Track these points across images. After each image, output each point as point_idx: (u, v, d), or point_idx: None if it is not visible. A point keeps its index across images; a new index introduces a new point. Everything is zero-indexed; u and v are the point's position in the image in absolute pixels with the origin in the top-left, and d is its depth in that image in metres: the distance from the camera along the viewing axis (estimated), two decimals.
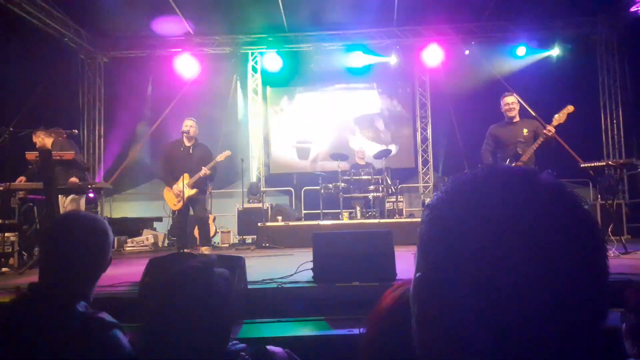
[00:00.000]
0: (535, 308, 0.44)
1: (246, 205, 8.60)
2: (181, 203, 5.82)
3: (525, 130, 4.96)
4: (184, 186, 5.82)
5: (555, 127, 4.80)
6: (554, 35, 9.13)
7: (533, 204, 0.47)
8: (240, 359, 1.21)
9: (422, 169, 10.33)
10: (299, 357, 1.45)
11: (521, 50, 9.13)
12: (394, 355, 0.70)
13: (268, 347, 1.30)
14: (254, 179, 10.06)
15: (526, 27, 8.91)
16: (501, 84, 8.84)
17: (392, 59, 9.63)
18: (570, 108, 4.85)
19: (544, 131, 4.80)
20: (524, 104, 7.86)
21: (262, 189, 9.84)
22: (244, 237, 8.48)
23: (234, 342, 1.29)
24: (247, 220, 8.30)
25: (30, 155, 5.00)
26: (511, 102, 5.13)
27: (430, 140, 10.37)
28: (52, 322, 1.28)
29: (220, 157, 6.09)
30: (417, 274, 0.53)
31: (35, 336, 1.25)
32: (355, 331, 2.44)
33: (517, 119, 5.12)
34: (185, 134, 5.95)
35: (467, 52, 9.39)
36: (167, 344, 1.19)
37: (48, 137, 5.73)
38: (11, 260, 5.26)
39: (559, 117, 4.84)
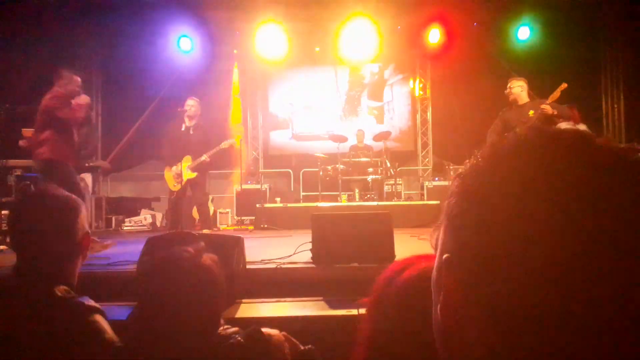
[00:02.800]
0: (587, 300, 0.37)
1: (244, 186, 8.58)
2: (180, 185, 5.79)
3: (531, 112, 4.99)
4: (185, 169, 5.79)
5: (550, 105, 4.88)
6: (557, 17, 9.00)
7: (587, 173, 0.40)
8: (232, 341, 1.20)
9: (422, 152, 10.30)
10: (297, 337, 1.43)
11: (524, 32, 9.01)
12: (403, 342, 0.67)
13: (263, 329, 1.27)
14: (252, 160, 10.03)
15: (530, 8, 8.77)
16: (503, 67, 8.76)
17: (393, 40, 9.50)
18: (563, 85, 4.97)
19: (540, 107, 4.88)
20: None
21: (260, 170, 9.81)
22: (243, 218, 8.48)
23: (226, 326, 1.28)
24: (246, 201, 8.29)
25: (27, 133, 4.95)
26: (509, 86, 5.20)
27: (430, 123, 10.32)
28: (31, 307, 1.26)
29: (224, 145, 6.00)
30: (444, 256, 0.47)
31: (14, 322, 1.23)
32: (354, 312, 2.44)
33: (524, 101, 5.14)
34: (186, 114, 5.88)
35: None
36: (159, 324, 1.19)
37: None
38: (8, 238, 5.26)
39: (552, 95, 4.97)
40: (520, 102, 5.14)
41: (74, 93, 4.72)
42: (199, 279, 1.18)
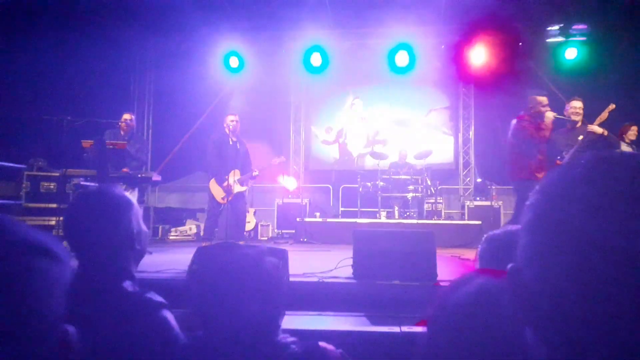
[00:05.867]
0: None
1: (285, 200, 8.74)
2: (230, 197, 5.99)
3: (581, 137, 4.93)
4: (235, 182, 6.01)
5: (599, 126, 4.83)
6: (607, 37, 8.77)
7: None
8: (289, 351, 1.20)
9: (463, 171, 10.18)
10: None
11: (571, 52, 8.81)
12: (460, 354, 0.69)
13: (320, 343, 1.26)
14: (293, 175, 10.19)
15: (578, 27, 8.60)
16: (549, 87, 8.60)
17: (437, 58, 9.52)
18: (612, 106, 4.91)
19: (587, 129, 4.82)
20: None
21: (301, 185, 9.95)
22: (283, 231, 8.62)
23: (285, 335, 1.27)
24: (286, 215, 8.43)
25: (86, 143, 5.25)
26: (573, 108, 5.08)
27: (473, 141, 10.20)
28: (104, 302, 1.28)
29: (275, 161, 6.43)
30: (509, 265, 0.53)
31: (87, 318, 1.19)
32: (396, 329, 2.47)
33: (580, 124, 5.06)
34: (230, 130, 6.10)
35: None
36: (215, 330, 1.20)
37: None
38: (65, 243, 5.55)
39: (601, 116, 4.90)
40: (577, 125, 5.05)
41: (538, 115, 4.95)
42: (263, 280, 1.20)
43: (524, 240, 0.51)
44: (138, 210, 1.50)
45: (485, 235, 1.85)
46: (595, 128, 4.78)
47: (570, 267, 0.44)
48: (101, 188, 1.51)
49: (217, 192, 6.07)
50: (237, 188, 6.04)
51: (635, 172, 0.46)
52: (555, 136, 5.16)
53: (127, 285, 1.35)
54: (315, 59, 9.14)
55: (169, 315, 1.34)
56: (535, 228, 0.49)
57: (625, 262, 0.41)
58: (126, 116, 6.07)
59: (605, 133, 4.79)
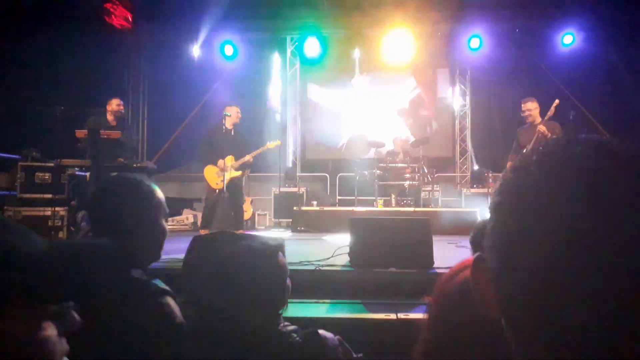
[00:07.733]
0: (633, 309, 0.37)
1: (282, 189, 8.72)
2: (223, 183, 5.96)
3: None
4: (229, 167, 5.99)
5: (545, 124, 5.20)
6: (603, 22, 8.73)
7: (610, 177, 0.40)
8: (291, 340, 1.21)
9: (460, 159, 10.18)
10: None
11: (568, 39, 8.78)
12: (460, 333, 0.69)
13: (320, 331, 1.28)
14: (290, 164, 10.16)
15: (574, 14, 8.55)
16: (546, 74, 8.58)
17: (433, 47, 9.46)
18: (556, 102, 5.28)
19: (537, 129, 5.16)
20: (570, 95, 7.63)
21: (297, 173, 9.93)
22: (280, 220, 8.61)
23: (286, 323, 1.29)
24: (283, 204, 8.42)
25: (80, 134, 5.21)
26: (528, 108, 5.45)
27: (469, 129, 10.18)
28: (109, 287, 1.29)
29: (270, 145, 6.34)
30: (476, 254, 0.50)
31: (92, 301, 1.27)
32: (392, 316, 2.48)
33: (538, 121, 5.41)
34: (228, 118, 6.07)
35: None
36: (214, 320, 1.20)
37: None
38: (60, 234, 5.54)
39: (549, 113, 5.26)
40: (536, 122, 5.39)
41: None
42: (269, 275, 1.22)
43: (488, 226, 0.48)
44: (159, 207, 1.48)
45: (477, 222, 1.86)
46: (542, 129, 5.13)
47: (532, 252, 0.41)
48: (126, 176, 1.51)
49: (211, 178, 6.06)
50: (232, 173, 6.02)
51: (605, 156, 0.42)
52: (519, 134, 5.56)
53: (135, 272, 1.36)
54: (310, 48, 9.06)
55: (171, 302, 1.34)
56: (498, 210, 0.46)
57: (593, 246, 0.38)
58: (117, 101, 6.02)
59: (548, 134, 5.09)
